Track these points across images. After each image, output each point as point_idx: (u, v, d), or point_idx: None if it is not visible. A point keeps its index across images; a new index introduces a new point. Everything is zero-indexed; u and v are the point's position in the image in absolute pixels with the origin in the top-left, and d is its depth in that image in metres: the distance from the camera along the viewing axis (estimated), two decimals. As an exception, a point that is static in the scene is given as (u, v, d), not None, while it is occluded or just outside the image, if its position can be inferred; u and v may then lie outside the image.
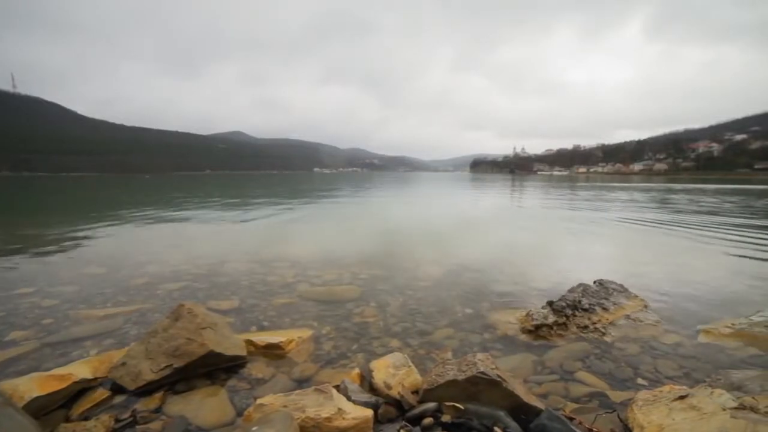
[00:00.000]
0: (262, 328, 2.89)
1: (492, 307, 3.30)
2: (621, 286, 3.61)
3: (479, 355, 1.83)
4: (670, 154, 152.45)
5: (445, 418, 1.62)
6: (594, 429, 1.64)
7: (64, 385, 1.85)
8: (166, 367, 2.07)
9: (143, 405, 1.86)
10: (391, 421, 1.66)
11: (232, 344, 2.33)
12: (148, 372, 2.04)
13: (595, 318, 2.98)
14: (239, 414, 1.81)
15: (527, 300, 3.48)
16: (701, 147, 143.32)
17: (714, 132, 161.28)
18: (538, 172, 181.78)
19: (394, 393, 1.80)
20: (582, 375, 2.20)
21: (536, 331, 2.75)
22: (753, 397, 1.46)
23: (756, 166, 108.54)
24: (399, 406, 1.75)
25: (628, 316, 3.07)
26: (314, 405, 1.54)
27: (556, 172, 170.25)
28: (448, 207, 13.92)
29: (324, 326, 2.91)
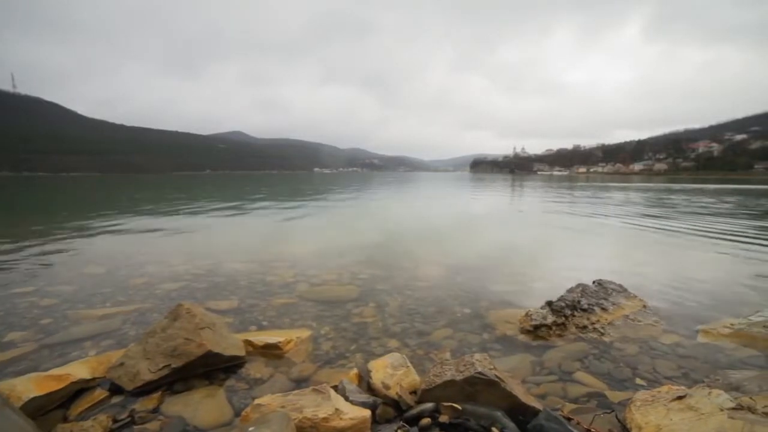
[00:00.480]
0: (261, 328, 2.89)
1: (491, 307, 3.30)
2: (620, 286, 3.61)
3: (477, 356, 1.83)
4: (670, 154, 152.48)
5: (443, 418, 1.62)
6: (592, 429, 1.64)
7: (61, 385, 1.85)
8: (165, 367, 2.07)
9: (141, 405, 1.86)
10: (388, 421, 1.66)
11: (230, 344, 2.33)
12: (146, 372, 2.04)
13: (594, 318, 2.98)
14: (237, 414, 1.81)
15: (526, 300, 3.48)
16: (701, 147, 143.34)
17: (714, 132, 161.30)
18: (538, 172, 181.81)
19: (392, 393, 1.80)
20: (580, 375, 2.20)
21: (535, 331, 2.75)
22: (751, 398, 1.45)
23: (756, 166, 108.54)
24: (397, 406, 1.75)
25: (627, 317, 3.06)
26: (312, 405, 1.54)
27: (556, 172, 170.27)
28: (448, 207, 13.91)
29: (323, 326, 2.91)
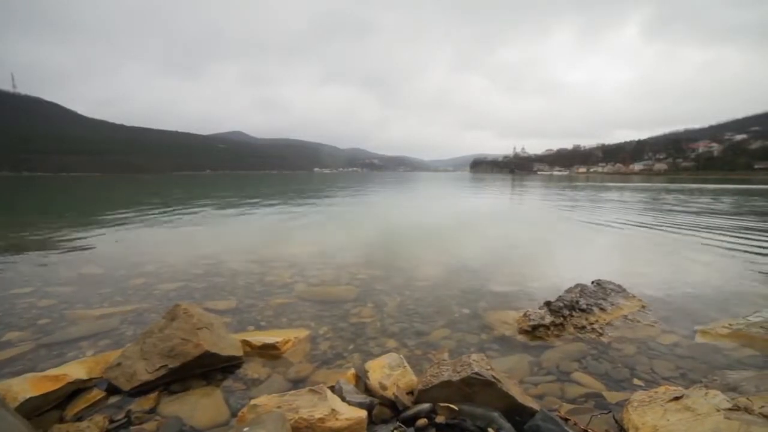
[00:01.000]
0: (259, 329, 2.89)
1: (489, 308, 3.30)
2: (619, 286, 3.60)
3: (474, 356, 1.82)
4: (670, 154, 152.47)
5: (440, 419, 1.61)
6: (589, 430, 1.63)
7: (58, 385, 1.84)
8: (162, 367, 2.07)
9: (138, 405, 1.86)
10: (385, 422, 1.66)
11: (228, 344, 2.32)
12: (143, 372, 2.03)
13: (592, 318, 2.97)
14: (234, 414, 1.80)
15: (525, 300, 3.48)
16: (701, 147, 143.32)
17: (714, 132, 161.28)
18: (538, 172, 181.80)
19: (388, 394, 1.79)
20: (578, 376, 2.20)
21: (533, 331, 2.74)
22: (747, 398, 1.45)
23: (756, 166, 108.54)
24: (394, 406, 1.74)
25: (625, 317, 3.06)
26: (308, 405, 1.54)
27: (556, 172, 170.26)
28: (447, 207, 13.91)
29: (321, 326, 2.91)
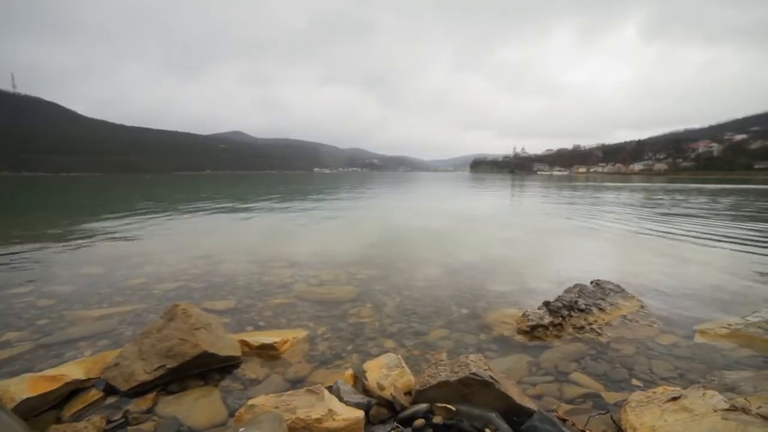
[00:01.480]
0: (257, 329, 2.89)
1: (488, 308, 3.30)
2: (618, 286, 3.60)
3: (472, 356, 1.82)
4: (670, 154, 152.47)
5: (437, 419, 1.61)
6: (587, 430, 1.63)
7: (56, 386, 1.84)
8: (160, 367, 2.07)
9: (135, 406, 1.86)
10: (382, 422, 1.66)
11: (226, 345, 2.32)
12: (141, 373, 2.03)
13: (591, 318, 2.97)
14: (231, 415, 1.80)
15: (523, 300, 3.48)
16: (701, 147, 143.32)
17: (714, 132, 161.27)
18: (538, 172, 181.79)
19: (386, 394, 1.79)
20: (577, 376, 2.19)
21: (532, 331, 2.74)
22: (745, 398, 1.45)
23: (756, 166, 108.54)
24: (391, 407, 1.74)
25: (624, 317, 3.06)
26: (305, 406, 1.54)
27: (556, 172, 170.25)
28: (447, 207, 13.91)
29: (320, 326, 2.91)
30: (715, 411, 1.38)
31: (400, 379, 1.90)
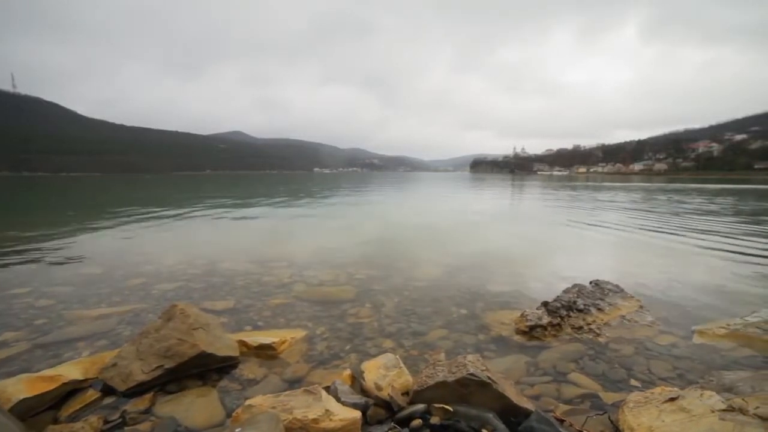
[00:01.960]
0: (256, 329, 2.88)
1: (487, 308, 3.29)
2: (617, 286, 3.60)
3: (470, 357, 1.82)
4: (670, 154, 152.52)
5: (434, 419, 1.61)
6: (584, 431, 1.63)
7: (53, 386, 1.84)
8: (157, 367, 2.06)
9: (133, 406, 1.86)
10: (380, 422, 1.65)
11: (224, 345, 2.32)
12: (139, 373, 2.03)
13: (589, 319, 2.97)
14: (229, 415, 1.80)
15: (522, 300, 3.47)
16: (701, 147, 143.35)
17: (714, 132, 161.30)
18: (538, 172, 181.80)
19: (384, 394, 1.79)
20: (575, 376, 2.19)
21: (530, 332, 2.74)
22: (743, 399, 1.45)
23: (756, 166, 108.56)
24: (389, 407, 1.74)
25: (623, 317, 3.06)
26: (302, 406, 1.53)
27: (556, 172, 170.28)
28: (446, 207, 13.90)
29: (318, 327, 2.90)
30: (713, 411, 1.38)
31: (397, 380, 1.90)
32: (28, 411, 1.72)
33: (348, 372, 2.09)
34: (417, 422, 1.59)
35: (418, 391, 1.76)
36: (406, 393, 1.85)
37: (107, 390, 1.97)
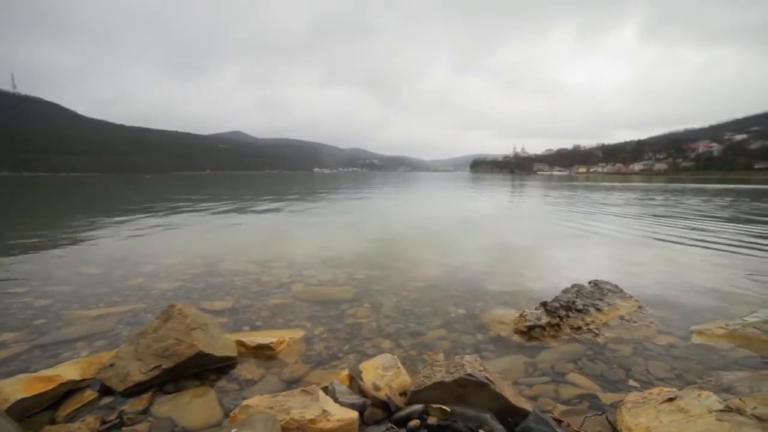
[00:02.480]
0: (254, 329, 2.88)
1: (485, 308, 3.29)
2: (616, 286, 3.60)
3: (467, 357, 1.82)
4: (670, 154, 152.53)
5: (432, 420, 1.61)
6: (582, 431, 1.63)
7: (50, 386, 1.83)
8: (155, 368, 2.06)
9: (131, 406, 1.85)
10: (377, 423, 1.65)
11: (222, 345, 2.32)
12: (137, 373, 2.03)
13: (588, 319, 2.97)
14: (227, 415, 1.79)
15: (521, 301, 3.47)
16: (701, 147, 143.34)
17: (714, 132, 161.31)
18: (538, 172, 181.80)
19: (381, 395, 1.79)
20: (573, 377, 2.19)
21: (529, 332, 2.74)
22: (741, 399, 1.45)
23: (756, 166, 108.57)
24: (386, 407, 1.74)
25: (622, 317, 3.05)
26: (299, 406, 1.53)
27: (556, 172, 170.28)
28: (446, 207, 13.90)
29: (317, 327, 2.90)
30: (710, 412, 1.38)
31: (395, 380, 1.90)
32: (25, 411, 1.72)
33: (346, 372, 2.09)
34: (414, 422, 1.59)
35: (415, 391, 1.75)
36: (403, 393, 1.85)
37: (105, 390, 1.97)
